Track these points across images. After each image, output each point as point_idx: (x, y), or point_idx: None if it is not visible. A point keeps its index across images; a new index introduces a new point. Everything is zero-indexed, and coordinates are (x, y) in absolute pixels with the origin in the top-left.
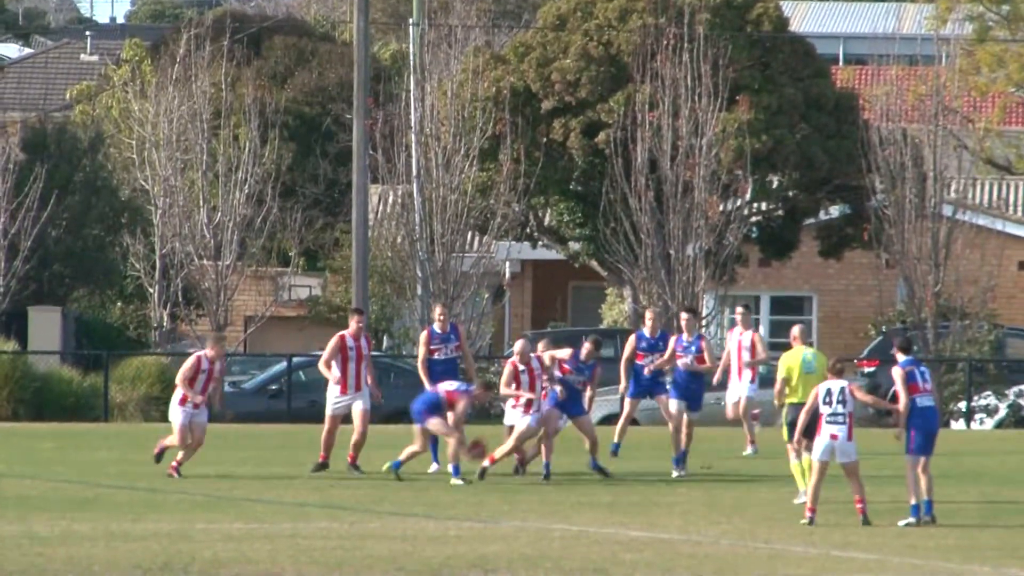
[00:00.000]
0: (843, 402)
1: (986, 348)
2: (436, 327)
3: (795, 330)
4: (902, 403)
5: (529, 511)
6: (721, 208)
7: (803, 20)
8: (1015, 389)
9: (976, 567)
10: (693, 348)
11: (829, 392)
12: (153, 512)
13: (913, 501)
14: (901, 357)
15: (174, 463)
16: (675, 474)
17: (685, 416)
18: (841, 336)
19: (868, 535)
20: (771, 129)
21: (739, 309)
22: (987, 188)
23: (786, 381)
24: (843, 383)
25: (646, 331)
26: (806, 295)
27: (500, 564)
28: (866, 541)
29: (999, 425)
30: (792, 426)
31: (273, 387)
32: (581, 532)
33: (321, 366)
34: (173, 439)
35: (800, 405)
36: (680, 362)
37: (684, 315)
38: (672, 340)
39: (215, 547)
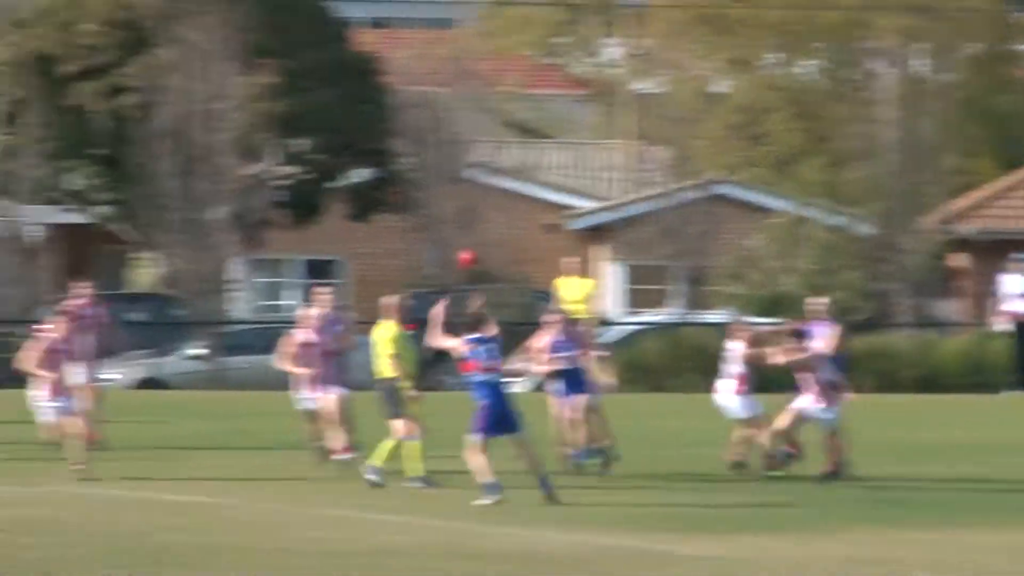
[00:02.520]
0: None
1: (516, 311)
2: None
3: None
4: None
5: (68, 478)
6: (247, 172)
7: None
8: None
9: (512, 529)
10: None
11: None
12: None
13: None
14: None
15: None
16: None
17: None
18: (372, 300)
19: (403, 499)
20: (295, 92)
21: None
22: (512, 152)
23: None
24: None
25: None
26: (335, 259)
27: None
28: (401, 504)
29: (539, 388)
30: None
31: None
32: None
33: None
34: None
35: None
36: None
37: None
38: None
39: None
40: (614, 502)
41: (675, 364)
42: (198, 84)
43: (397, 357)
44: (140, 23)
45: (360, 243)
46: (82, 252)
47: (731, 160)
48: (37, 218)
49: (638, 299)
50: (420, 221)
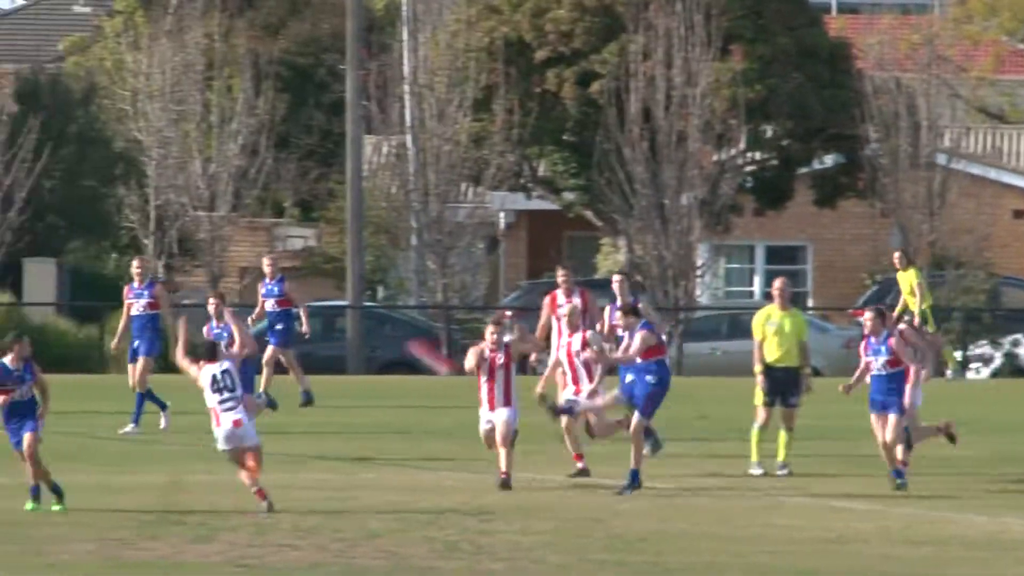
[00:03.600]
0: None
1: (981, 297)
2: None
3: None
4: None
5: (524, 463)
6: (715, 158)
7: None
8: (1010, 338)
9: (972, 516)
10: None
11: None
12: (147, 464)
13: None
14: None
15: None
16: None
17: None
18: (836, 285)
19: (863, 486)
20: (764, 78)
21: (616, 277)
22: (981, 137)
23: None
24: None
25: None
26: (801, 244)
27: (497, 514)
28: (861, 491)
29: (995, 375)
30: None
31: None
32: (577, 483)
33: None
34: None
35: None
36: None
37: (617, 278)
38: (607, 309)
39: (210, 497)
40: None
41: None
42: (669, 70)
43: (763, 342)
44: (612, 9)
45: (825, 229)
46: (549, 238)
47: None
48: (505, 204)
49: None
50: (886, 207)
